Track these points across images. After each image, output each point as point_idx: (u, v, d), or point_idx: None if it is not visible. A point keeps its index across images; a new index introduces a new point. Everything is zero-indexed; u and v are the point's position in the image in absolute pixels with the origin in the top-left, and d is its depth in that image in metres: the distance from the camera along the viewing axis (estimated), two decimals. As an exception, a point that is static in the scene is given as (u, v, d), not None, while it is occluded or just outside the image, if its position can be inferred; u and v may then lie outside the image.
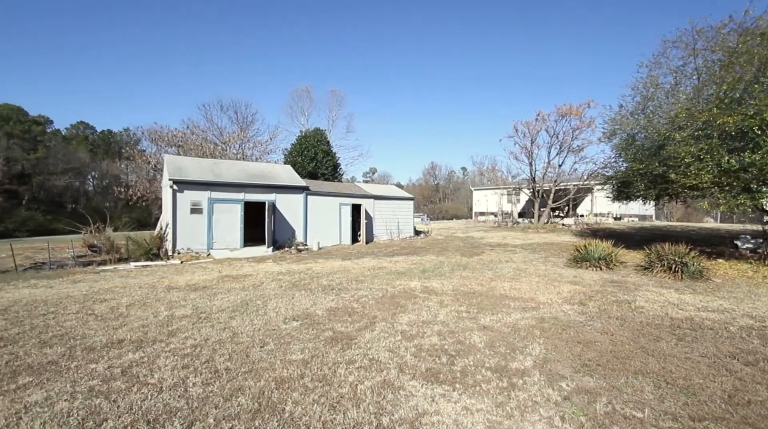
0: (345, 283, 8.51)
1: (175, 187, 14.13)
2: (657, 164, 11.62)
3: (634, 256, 12.17)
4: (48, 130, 54.67)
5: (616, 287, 8.01)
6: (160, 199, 23.93)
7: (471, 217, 47.92)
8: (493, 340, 4.65)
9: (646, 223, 31.81)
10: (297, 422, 2.83)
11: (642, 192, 13.38)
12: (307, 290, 7.70)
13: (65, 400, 3.14)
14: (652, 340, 4.72)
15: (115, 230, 15.77)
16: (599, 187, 23.96)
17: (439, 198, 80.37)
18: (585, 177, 30.39)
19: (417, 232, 23.57)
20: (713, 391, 3.34)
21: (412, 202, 23.13)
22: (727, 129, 9.38)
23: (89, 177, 56.77)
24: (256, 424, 2.80)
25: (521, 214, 39.67)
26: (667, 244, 9.96)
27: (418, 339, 4.70)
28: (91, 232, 14.00)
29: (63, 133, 57.62)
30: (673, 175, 10.87)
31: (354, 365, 3.89)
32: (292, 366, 3.85)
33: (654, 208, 36.46)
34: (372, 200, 20.34)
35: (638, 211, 35.17)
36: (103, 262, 12.06)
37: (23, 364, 3.93)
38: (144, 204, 33.22)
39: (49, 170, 47.80)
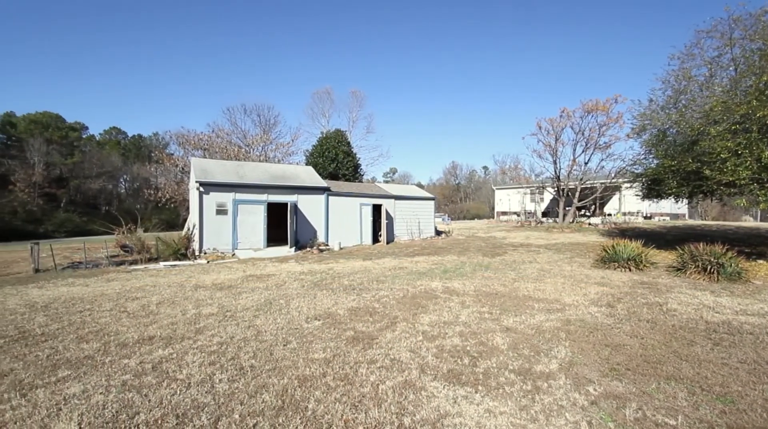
0: (366, 283, 8.55)
1: (201, 188, 14.56)
2: (690, 160, 11.11)
3: (665, 257, 11.68)
4: (83, 136, 57.43)
5: (646, 289, 7.71)
6: (188, 200, 24.78)
7: (493, 217, 47.23)
8: (517, 342, 4.56)
9: (679, 222, 30.47)
10: (319, 420, 2.86)
11: (674, 190, 12.82)
12: (328, 290, 7.78)
13: (100, 393, 3.29)
14: (685, 344, 4.52)
15: (145, 231, 16.41)
16: (628, 185, 23.13)
17: (461, 198, 79.55)
18: (612, 175, 29.38)
19: (438, 232, 23.42)
20: (753, 400, 3.16)
21: (432, 202, 22.98)
22: (767, 122, 8.88)
23: (121, 180, 59.25)
24: (280, 420, 2.85)
25: (545, 214, 38.77)
26: (701, 243, 9.51)
27: (440, 340, 4.67)
28: (123, 232, 14.62)
29: (97, 138, 60.40)
30: (707, 172, 10.37)
31: (375, 365, 3.90)
32: (314, 364, 3.90)
33: (687, 206, 34.88)
34: (392, 200, 20.33)
35: (670, 210, 33.73)
36: (135, 262, 12.58)
37: (62, 358, 4.14)
38: (172, 205, 34.43)
39: (84, 174, 50.23)
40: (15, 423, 2.83)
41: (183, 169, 33.76)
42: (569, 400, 3.17)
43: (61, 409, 3.03)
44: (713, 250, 9.02)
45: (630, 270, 9.87)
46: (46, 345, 4.59)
